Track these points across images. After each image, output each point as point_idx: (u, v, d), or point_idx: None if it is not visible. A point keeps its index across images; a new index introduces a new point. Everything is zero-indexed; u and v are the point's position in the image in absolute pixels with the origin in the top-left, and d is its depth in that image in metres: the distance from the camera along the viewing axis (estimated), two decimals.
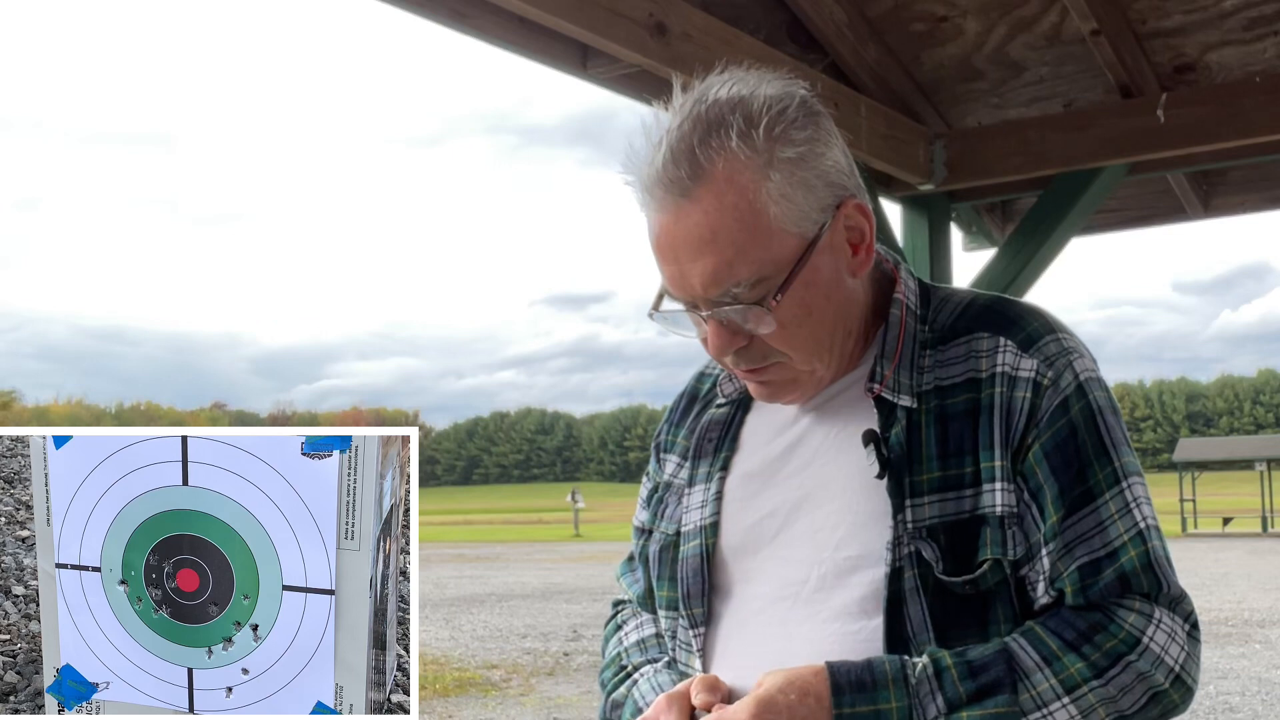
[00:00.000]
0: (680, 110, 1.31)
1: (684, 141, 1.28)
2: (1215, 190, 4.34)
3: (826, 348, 1.37)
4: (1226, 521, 42.44)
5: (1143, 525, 1.31)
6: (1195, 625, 1.31)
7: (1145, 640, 1.26)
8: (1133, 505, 1.31)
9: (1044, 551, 1.29)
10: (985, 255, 4.10)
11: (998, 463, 1.31)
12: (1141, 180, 4.16)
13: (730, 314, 1.31)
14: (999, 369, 1.34)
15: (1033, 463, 1.31)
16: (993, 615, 1.30)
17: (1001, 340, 1.35)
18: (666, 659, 1.49)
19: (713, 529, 1.44)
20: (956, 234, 4.36)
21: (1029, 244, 3.80)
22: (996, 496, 1.30)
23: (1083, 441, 1.31)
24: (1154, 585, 1.29)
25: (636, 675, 1.49)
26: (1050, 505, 1.30)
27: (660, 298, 1.38)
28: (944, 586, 1.29)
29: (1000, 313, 1.39)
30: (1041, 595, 1.30)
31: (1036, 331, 1.36)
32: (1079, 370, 1.34)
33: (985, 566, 1.29)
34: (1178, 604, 1.30)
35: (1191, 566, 24.90)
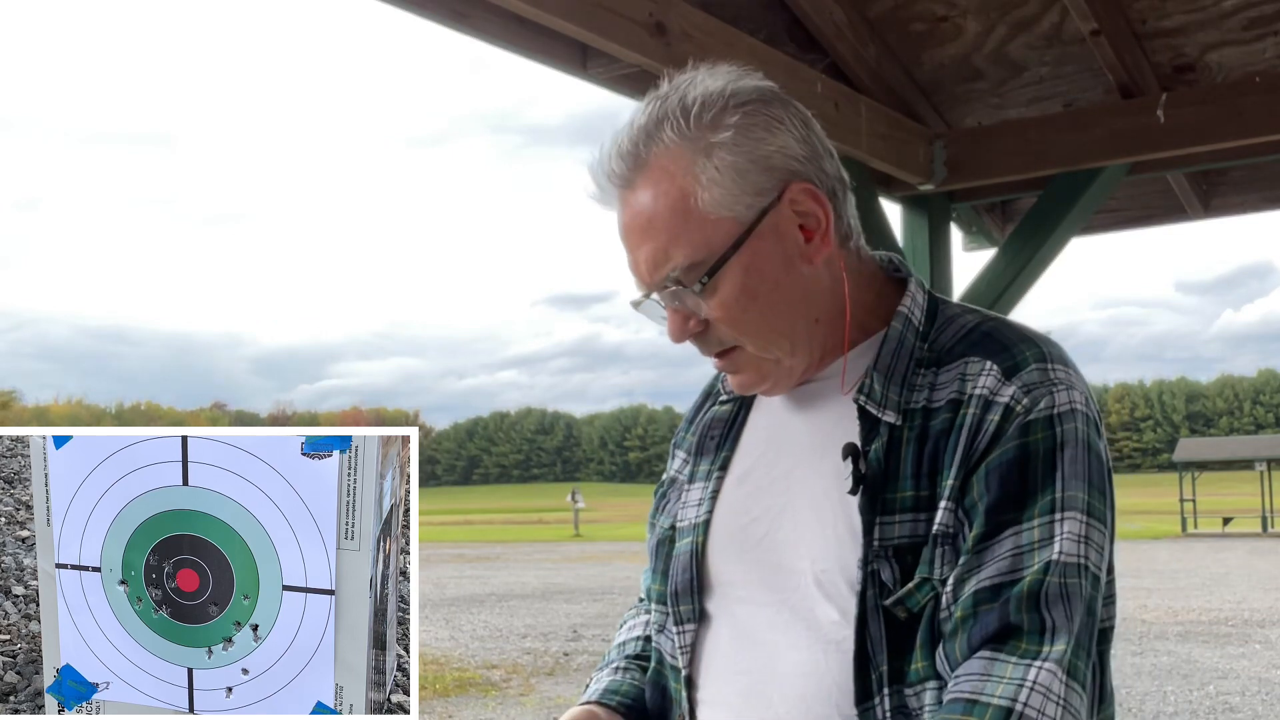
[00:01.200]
0: (640, 109, 1.37)
1: (631, 138, 1.35)
2: (1215, 190, 4.35)
3: (784, 335, 1.36)
4: (1226, 521, 42.44)
5: (1057, 557, 1.22)
6: (1073, 670, 1.20)
7: (1019, 707, 1.16)
8: (1058, 537, 1.23)
9: (960, 562, 1.25)
10: (985, 255, 4.10)
11: (950, 481, 1.27)
12: (1141, 180, 4.16)
13: (675, 296, 1.35)
14: (977, 391, 1.30)
15: (974, 480, 1.26)
16: (921, 636, 1.26)
17: (988, 364, 1.32)
18: (619, 662, 1.56)
19: (704, 527, 1.44)
20: (956, 234, 4.36)
21: (1029, 244, 3.80)
22: (939, 515, 1.27)
23: (1034, 470, 1.25)
24: (1035, 623, 1.20)
25: (595, 676, 1.56)
26: (978, 520, 1.25)
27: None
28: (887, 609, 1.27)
29: (997, 339, 1.35)
30: (943, 610, 1.25)
31: (1025, 360, 1.31)
32: (1058, 401, 1.28)
33: (912, 584, 1.26)
34: (1055, 647, 1.19)
35: (1191, 566, 24.89)
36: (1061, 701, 1.18)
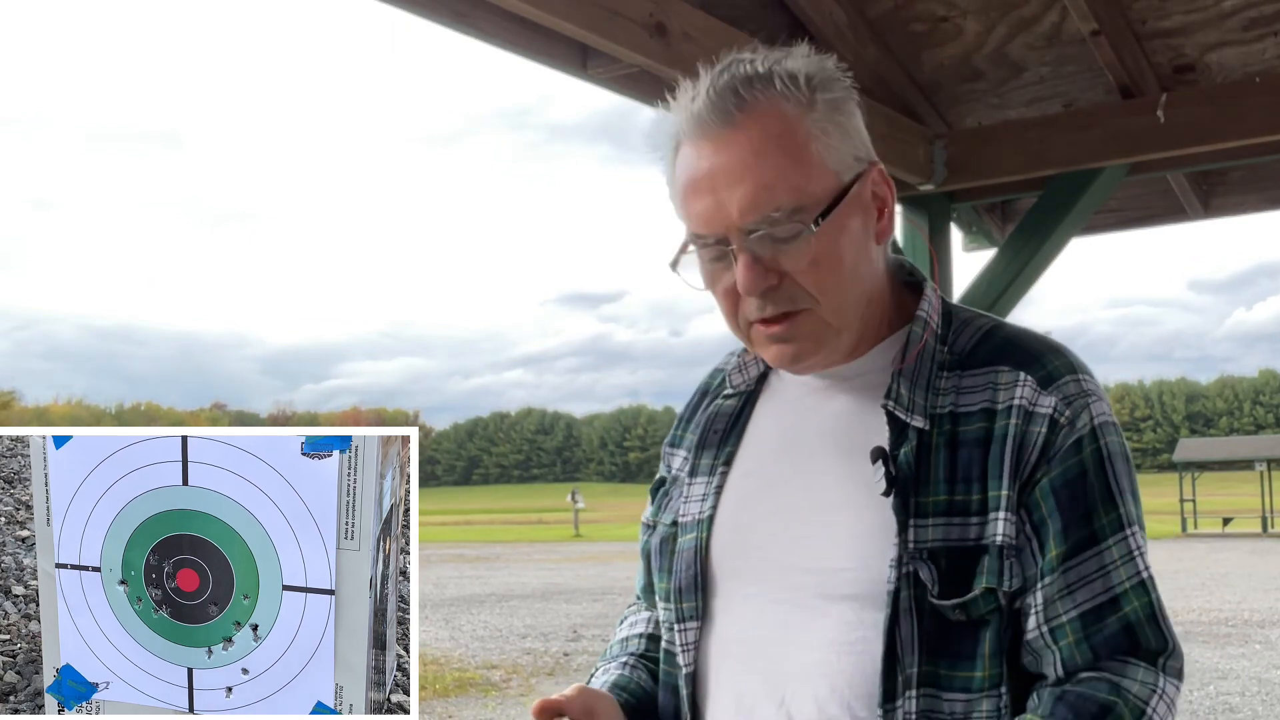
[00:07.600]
0: (720, 66, 1.36)
1: (729, 84, 1.33)
2: (1215, 190, 4.35)
3: (852, 304, 1.37)
4: (1226, 522, 42.44)
5: (1144, 575, 1.31)
6: (1182, 679, 1.32)
7: (1149, 712, 1.26)
8: (1135, 554, 1.31)
9: (1040, 585, 1.29)
10: (985, 255, 4.10)
11: (1004, 493, 1.30)
12: (1141, 180, 4.16)
13: (766, 240, 1.30)
14: (1016, 402, 1.33)
15: (1039, 496, 1.31)
16: (981, 646, 1.29)
17: (1022, 375, 1.35)
18: (626, 658, 1.54)
19: (709, 523, 1.44)
20: (956, 234, 4.37)
21: (1029, 244, 3.80)
22: (999, 526, 1.29)
23: (1091, 484, 1.31)
24: (1160, 641, 1.30)
25: (598, 669, 1.55)
26: (1052, 540, 1.29)
27: (683, 249, 1.37)
28: (936, 609, 1.28)
29: (1023, 348, 1.38)
30: (1031, 629, 1.29)
31: (1058, 370, 1.35)
32: (1095, 413, 1.34)
33: (977, 592, 1.28)
34: (1174, 662, 1.31)
35: (1191, 566, 24.88)
36: (1171, 709, 1.29)
